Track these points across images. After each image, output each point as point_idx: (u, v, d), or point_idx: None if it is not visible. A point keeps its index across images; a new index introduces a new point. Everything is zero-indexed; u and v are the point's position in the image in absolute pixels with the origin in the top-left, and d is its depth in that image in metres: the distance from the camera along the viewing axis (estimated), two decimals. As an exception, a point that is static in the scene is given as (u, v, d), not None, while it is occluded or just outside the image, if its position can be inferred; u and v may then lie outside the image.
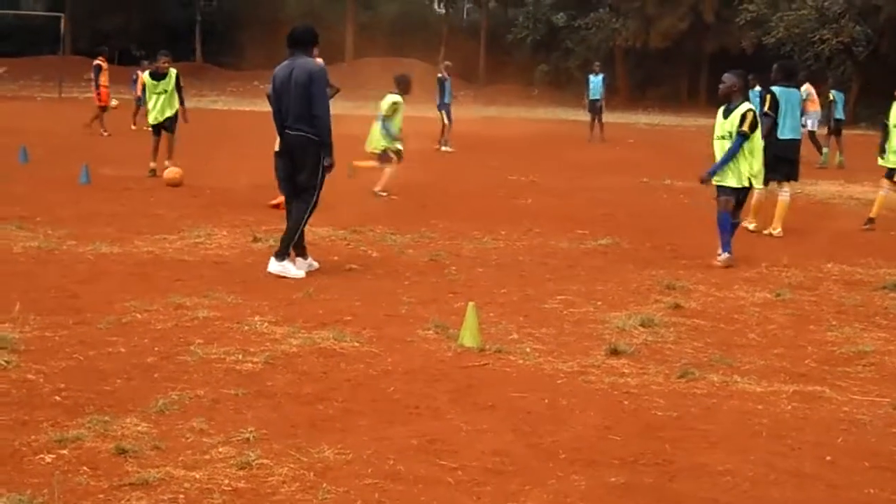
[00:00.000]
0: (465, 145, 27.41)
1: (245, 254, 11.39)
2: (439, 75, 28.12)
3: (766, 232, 14.61)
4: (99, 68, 28.91)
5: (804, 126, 19.37)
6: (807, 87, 23.94)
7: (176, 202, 15.57)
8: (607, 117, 34.60)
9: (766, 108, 14.42)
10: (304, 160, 10.52)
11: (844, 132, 28.02)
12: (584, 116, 35.24)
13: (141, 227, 13.24)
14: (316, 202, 10.71)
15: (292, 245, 10.62)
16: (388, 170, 17.29)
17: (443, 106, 27.30)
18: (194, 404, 6.47)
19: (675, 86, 65.31)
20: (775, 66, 15.63)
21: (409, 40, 64.71)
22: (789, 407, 6.91)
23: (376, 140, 17.36)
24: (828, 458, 6.00)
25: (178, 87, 19.42)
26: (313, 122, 10.39)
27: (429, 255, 12.03)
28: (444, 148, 26.44)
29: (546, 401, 6.83)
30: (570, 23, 64.87)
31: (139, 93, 28.15)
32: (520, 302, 9.78)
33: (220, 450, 5.71)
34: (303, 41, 10.76)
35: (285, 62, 10.69)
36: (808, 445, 6.18)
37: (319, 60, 11.35)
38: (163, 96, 19.14)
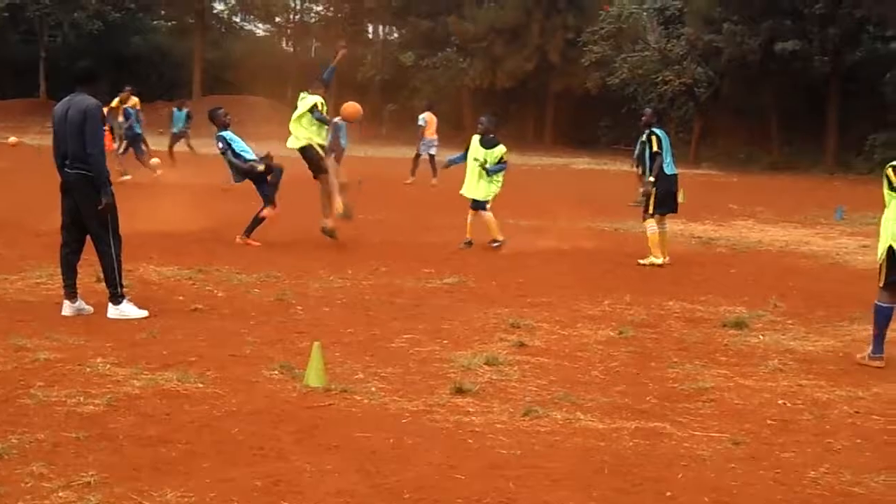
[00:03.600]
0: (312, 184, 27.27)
1: (88, 294, 11.19)
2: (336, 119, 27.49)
3: (653, 262, 15.82)
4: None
5: None
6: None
7: (18, 241, 15.23)
8: (451, 155, 34.61)
9: (655, 148, 15.74)
10: (83, 200, 10.41)
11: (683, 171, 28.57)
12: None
13: (-21, 267, 12.96)
14: (118, 241, 10.62)
15: (117, 285, 10.49)
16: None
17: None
18: (34, 448, 6.35)
19: (522, 125, 66.02)
20: (649, 109, 17.04)
21: (256, 78, 64.35)
22: (631, 443, 7.05)
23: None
24: (668, 493, 6.13)
25: None
26: (88, 159, 10.29)
27: (275, 294, 11.98)
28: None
29: (391, 440, 6.85)
30: (417, 62, 65.23)
31: None
32: (366, 341, 9.80)
33: (61, 494, 5.62)
34: (81, 79, 10.68)
35: (64, 100, 10.60)
36: (650, 481, 6.31)
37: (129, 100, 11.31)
38: None
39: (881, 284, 9.96)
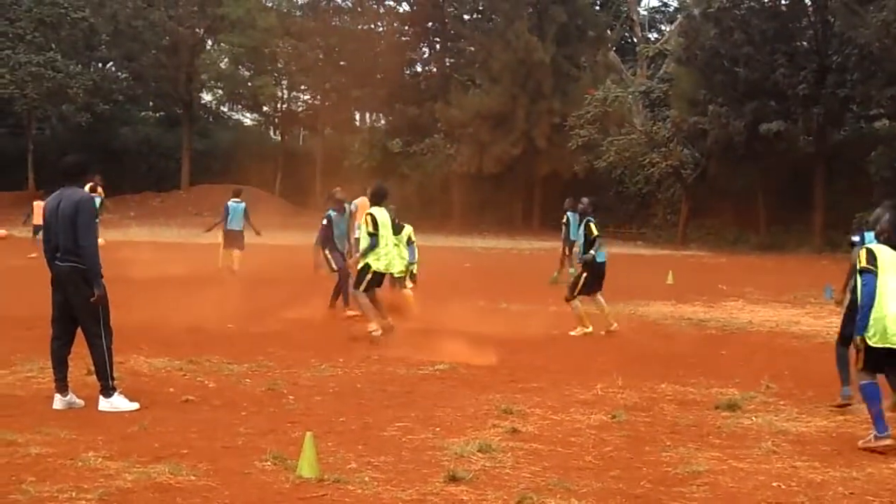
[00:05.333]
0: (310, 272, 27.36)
1: (79, 387, 11.15)
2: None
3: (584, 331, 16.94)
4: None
5: None
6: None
7: (7, 334, 15.19)
8: (444, 241, 34.83)
9: (595, 233, 17.31)
10: (75, 292, 10.43)
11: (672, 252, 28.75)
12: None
13: (-31, 361, 12.91)
14: (109, 333, 10.62)
15: (108, 378, 10.47)
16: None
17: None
18: (25, 546, 6.31)
19: (510, 209, 66.30)
20: (587, 200, 18.37)
21: (245, 167, 64.73)
22: (625, 529, 7.02)
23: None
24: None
25: None
26: (80, 252, 10.35)
27: (266, 384, 11.95)
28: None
29: (385, 530, 6.82)
30: (405, 149, 65.61)
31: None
32: (358, 430, 9.76)
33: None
34: (71, 173, 10.76)
35: (55, 193, 10.68)
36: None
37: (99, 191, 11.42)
38: None
39: (859, 368, 9.91)
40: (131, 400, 10.50)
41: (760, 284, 28.03)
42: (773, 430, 10.24)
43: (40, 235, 27.67)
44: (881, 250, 9.84)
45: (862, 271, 9.79)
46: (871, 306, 9.63)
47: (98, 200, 29.20)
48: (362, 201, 30.18)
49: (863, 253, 9.91)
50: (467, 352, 14.28)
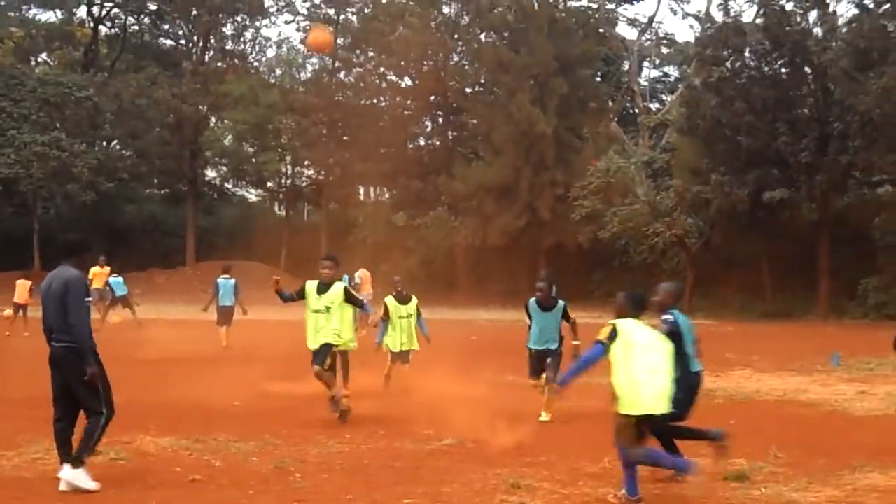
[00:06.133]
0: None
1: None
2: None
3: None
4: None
5: None
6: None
7: (12, 415, 15.18)
8: (450, 314, 34.77)
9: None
10: (70, 371, 10.48)
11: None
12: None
13: (-25, 443, 12.89)
14: (111, 409, 10.63)
15: (87, 450, 10.53)
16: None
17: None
18: None
19: (515, 281, 66.25)
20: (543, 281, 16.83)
21: (250, 243, 64.88)
22: None
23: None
24: None
25: None
26: (70, 330, 10.42)
27: (273, 462, 11.92)
28: None
29: None
30: (409, 222, 65.71)
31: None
32: (366, 508, 9.74)
33: None
34: (66, 252, 11.11)
35: (50, 273, 10.87)
36: None
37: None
38: None
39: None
40: (95, 481, 10.46)
41: (767, 352, 27.98)
42: (782, 500, 10.21)
43: (20, 314, 28.90)
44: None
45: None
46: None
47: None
48: (363, 273, 30.69)
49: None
50: (475, 426, 14.24)
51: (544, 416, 15.71)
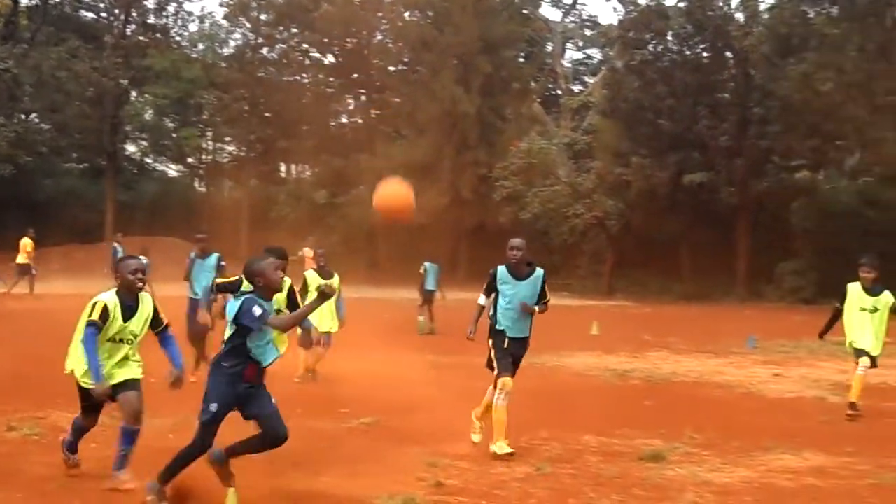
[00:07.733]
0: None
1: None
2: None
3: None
4: None
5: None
6: None
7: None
8: (372, 292, 34.72)
9: None
10: None
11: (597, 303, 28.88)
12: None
13: None
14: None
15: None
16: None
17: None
18: None
19: (436, 260, 66.31)
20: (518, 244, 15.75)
21: (170, 219, 64.24)
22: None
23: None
24: None
25: None
26: None
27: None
28: None
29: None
30: (331, 200, 65.43)
31: None
32: (282, 487, 9.66)
33: None
34: None
35: None
36: None
37: None
38: None
39: None
40: None
41: (684, 334, 28.23)
42: (696, 481, 10.29)
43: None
44: None
45: None
46: None
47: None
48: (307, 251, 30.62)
49: None
50: (391, 404, 14.23)
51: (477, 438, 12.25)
